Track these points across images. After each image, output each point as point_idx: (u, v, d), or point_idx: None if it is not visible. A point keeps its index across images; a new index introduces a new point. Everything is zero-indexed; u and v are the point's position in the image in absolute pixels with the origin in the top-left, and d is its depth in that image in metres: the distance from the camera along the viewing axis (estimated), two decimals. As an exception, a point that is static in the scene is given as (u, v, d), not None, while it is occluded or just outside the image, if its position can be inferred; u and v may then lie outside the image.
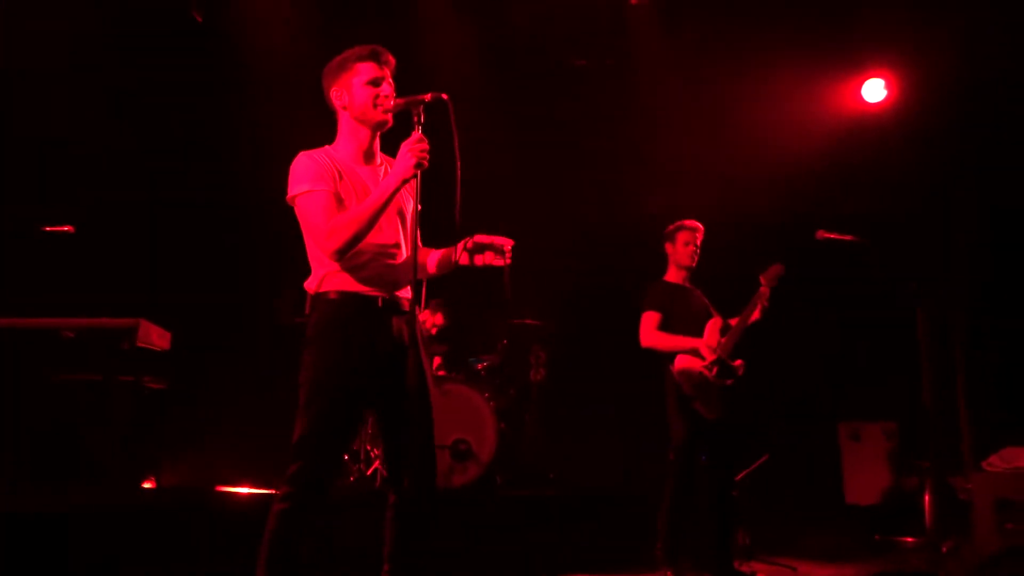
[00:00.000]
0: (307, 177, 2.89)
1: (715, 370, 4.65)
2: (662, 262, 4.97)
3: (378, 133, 3.03)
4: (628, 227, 6.94)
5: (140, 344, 4.74)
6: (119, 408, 4.99)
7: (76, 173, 5.95)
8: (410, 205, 2.96)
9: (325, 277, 2.94)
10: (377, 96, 2.95)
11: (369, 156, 3.04)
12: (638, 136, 7.12)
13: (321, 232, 2.84)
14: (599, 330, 6.71)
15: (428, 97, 2.80)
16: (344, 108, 3.00)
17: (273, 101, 6.44)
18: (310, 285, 2.99)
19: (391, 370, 2.89)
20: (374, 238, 2.89)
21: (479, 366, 6.06)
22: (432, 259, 3.13)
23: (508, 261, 2.96)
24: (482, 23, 6.82)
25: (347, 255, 2.85)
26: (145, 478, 5.38)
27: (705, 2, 6.82)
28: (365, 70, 2.97)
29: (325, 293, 2.93)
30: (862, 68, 6.96)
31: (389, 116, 2.97)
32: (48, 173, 5.81)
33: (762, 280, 4.79)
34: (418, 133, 2.81)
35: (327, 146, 3.03)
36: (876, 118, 6.95)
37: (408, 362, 2.85)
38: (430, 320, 6.37)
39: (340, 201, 2.91)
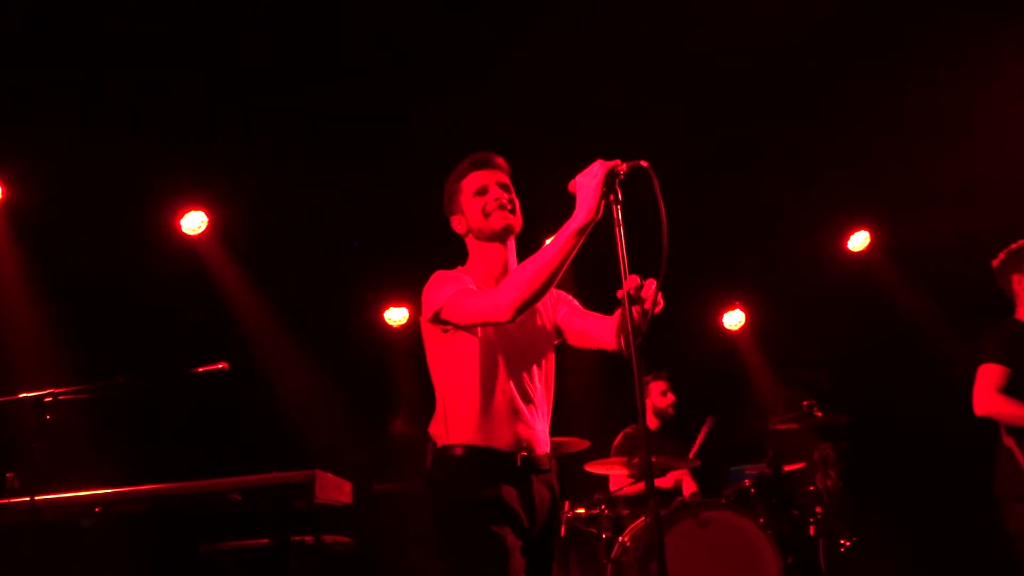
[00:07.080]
0: (448, 285, 2.70)
1: None
2: (999, 298, 3.96)
3: (511, 247, 2.87)
4: (914, 264, 6.13)
5: (318, 500, 4.12)
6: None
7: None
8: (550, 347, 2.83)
9: (452, 424, 2.69)
10: (486, 204, 2.81)
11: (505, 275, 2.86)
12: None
13: (487, 303, 2.58)
14: (903, 411, 5.71)
15: (623, 168, 2.38)
16: (466, 233, 2.87)
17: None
18: (435, 431, 2.81)
19: (531, 537, 2.68)
20: (506, 385, 2.68)
21: (746, 481, 5.06)
22: (611, 327, 2.69)
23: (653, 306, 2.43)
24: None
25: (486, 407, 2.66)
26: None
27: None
28: (470, 183, 2.86)
29: (451, 447, 2.67)
30: None
31: (510, 219, 2.79)
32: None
33: None
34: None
35: (460, 267, 2.90)
36: None
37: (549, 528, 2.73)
38: (662, 401, 5.58)
39: None
